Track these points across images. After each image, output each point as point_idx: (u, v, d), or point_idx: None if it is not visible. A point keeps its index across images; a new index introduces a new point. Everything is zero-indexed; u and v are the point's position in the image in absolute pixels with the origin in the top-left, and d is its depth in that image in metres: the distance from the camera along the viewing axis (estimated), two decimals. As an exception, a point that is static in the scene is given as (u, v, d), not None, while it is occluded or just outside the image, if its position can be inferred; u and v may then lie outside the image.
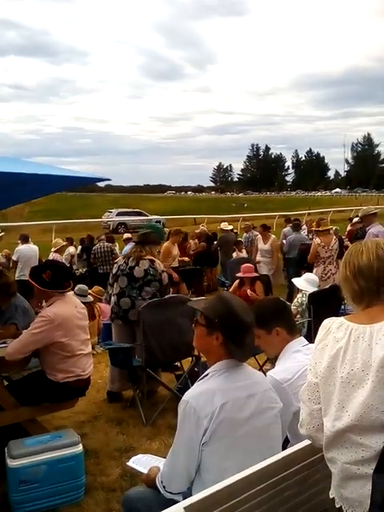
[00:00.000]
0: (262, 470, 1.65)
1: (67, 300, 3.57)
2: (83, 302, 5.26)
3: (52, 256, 9.87)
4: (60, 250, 10.12)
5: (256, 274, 6.34)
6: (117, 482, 3.22)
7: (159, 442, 3.76)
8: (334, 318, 1.59)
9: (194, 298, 5.03)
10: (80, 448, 3.06)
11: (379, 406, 1.37)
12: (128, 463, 2.47)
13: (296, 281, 5.44)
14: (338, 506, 1.50)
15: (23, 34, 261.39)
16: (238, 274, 6.24)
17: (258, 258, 9.31)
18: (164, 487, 1.89)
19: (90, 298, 6.89)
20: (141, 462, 2.39)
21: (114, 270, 4.75)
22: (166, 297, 4.55)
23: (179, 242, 8.92)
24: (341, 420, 1.44)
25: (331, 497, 1.54)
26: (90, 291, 7.17)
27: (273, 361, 3.01)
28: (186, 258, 9.91)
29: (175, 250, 8.55)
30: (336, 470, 1.49)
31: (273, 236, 9.53)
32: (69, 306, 3.51)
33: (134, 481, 3.04)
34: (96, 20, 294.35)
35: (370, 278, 1.51)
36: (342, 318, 1.54)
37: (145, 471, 2.19)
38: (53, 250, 10.12)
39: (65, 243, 10.66)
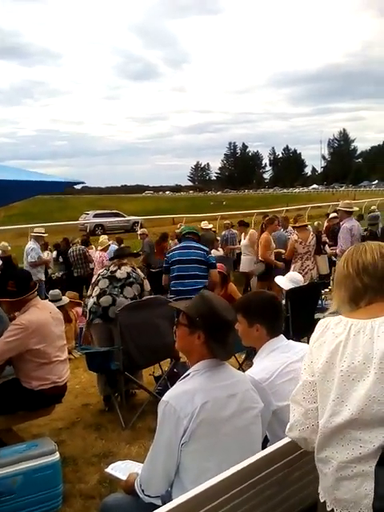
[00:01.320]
0: (241, 470, 1.63)
1: (41, 306, 3.49)
2: (58, 306, 5.21)
3: (98, 254, 9.80)
4: (105, 249, 9.92)
5: (224, 270, 6.00)
6: (95, 489, 3.17)
7: (139, 446, 3.71)
8: (331, 316, 1.57)
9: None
10: (57, 456, 2.98)
11: (381, 399, 1.34)
12: (106, 470, 2.42)
13: (278, 279, 5.39)
14: (329, 509, 1.44)
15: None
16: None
17: (242, 255, 9.37)
18: (143, 491, 1.85)
19: (65, 300, 6.79)
20: (119, 469, 2.35)
21: (94, 278, 4.71)
22: (145, 298, 4.50)
23: (273, 230, 8.12)
24: (340, 415, 1.40)
25: (322, 500, 1.47)
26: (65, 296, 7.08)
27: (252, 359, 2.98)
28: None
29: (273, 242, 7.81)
30: (330, 470, 1.43)
31: (251, 230, 9.55)
32: (43, 312, 3.43)
33: (113, 487, 2.98)
34: (69, 21, 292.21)
35: (374, 275, 1.52)
36: (340, 316, 1.54)
37: (123, 478, 2.15)
38: (99, 248, 10.08)
39: (111, 242, 10.50)
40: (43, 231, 9.76)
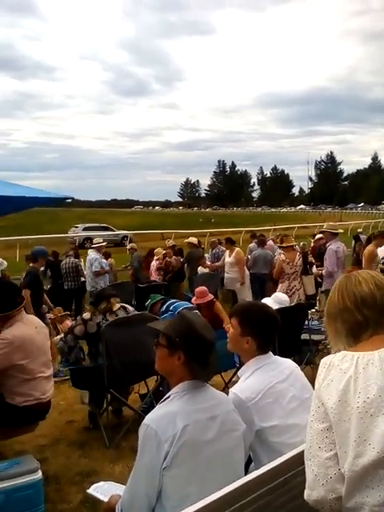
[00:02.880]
0: (223, 496, 1.59)
1: (26, 321, 3.46)
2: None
3: (154, 263, 10.21)
4: (160, 258, 10.29)
5: (210, 298, 5.96)
6: (77, 510, 3.12)
7: (122, 465, 3.66)
8: (332, 354, 1.49)
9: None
10: (39, 475, 2.93)
11: None
12: (88, 491, 2.38)
13: (266, 301, 5.40)
14: None
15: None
16: (193, 301, 5.98)
17: (226, 273, 9.24)
18: (124, 515, 1.82)
19: (50, 316, 6.74)
20: (102, 490, 2.31)
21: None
22: (130, 315, 4.48)
23: (380, 244, 7.53)
24: (365, 455, 1.28)
25: None
26: (50, 313, 7.01)
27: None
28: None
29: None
30: None
31: (237, 249, 9.46)
32: (28, 327, 3.41)
33: (96, 508, 2.92)
34: (62, 35, 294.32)
35: (373, 307, 1.48)
36: (342, 351, 1.46)
37: (105, 499, 2.12)
38: (155, 258, 10.37)
39: (164, 251, 10.61)
40: (102, 241, 10.18)
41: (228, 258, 9.24)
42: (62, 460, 3.83)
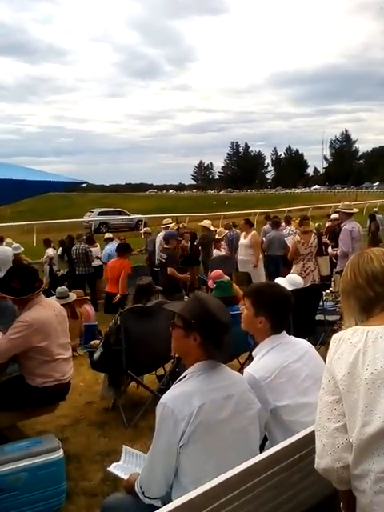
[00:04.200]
0: (240, 473, 1.64)
1: (45, 303, 3.52)
2: (64, 304, 5.24)
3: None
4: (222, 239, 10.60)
5: (226, 279, 5.99)
6: (98, 487, 3.20)
7: (141, 445, 3.72)
8: (344, 330, 1.53)
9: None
10: (60, 454, 3.02)
11: None
12: (109, 469, 2.46)
13: (279, 280, 5.41)
14: None
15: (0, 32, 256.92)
16: (209, 284, 5.93)
17: (239, 255, 9.24)
18: (143, 493, 1.88)
19: (72, 297, 6.83)
20: (121, 468, 2.39)
21: None
22: (149, 304, 4.47)
23: None
24: (371, 425, 1.34)
25: None
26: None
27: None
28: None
29: None
30: (368, 485, 1.36)
31: (253, 231, 9.41)
32: (47, 310, 3.47)
33: (116, 485, 3.01)
34: (73, 18, 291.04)
35: None
36: (354, 326, 1.51)
37: (125, 477, 2.18)
38: (217, 236, 10.55)
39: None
40: (170, 221, 10.91)
41: (243, 241, 9.21)
42: (82, 439, 3.94)
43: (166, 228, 10.41)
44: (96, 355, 4.43)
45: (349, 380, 1.41)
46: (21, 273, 3.55)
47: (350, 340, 1.46)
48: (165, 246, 8.11)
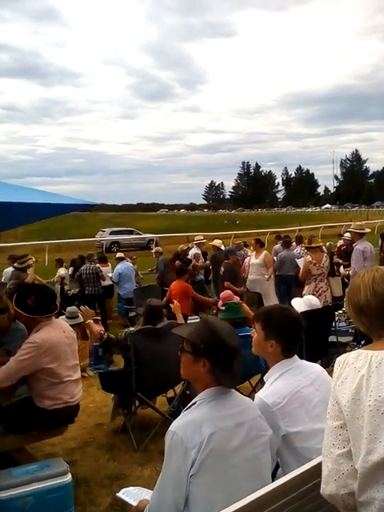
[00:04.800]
0: (250, 503, 1.59)
1: (55, 325, 3.51)
2: (74, 324, 5.23)
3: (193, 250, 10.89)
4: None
5: (236, 300, 5.73)
6: (107, 513, 3.14)
7: (151, 469, 3.68)
8: (348, 353, 1.52)
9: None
10: (69, 478, 2.98)
11: None
12: (118, 494, 2.40)
13: (295, 302, 5.33)
14: None
15: (15, 56, 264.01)
16: (219, 304, 5.75)
17: (250, 274, 9.08)
18: (152, 521, 1.83)
19: (81, 319, 6.81)
20: (131, 494, 2.33)
21: None
22: (159, 325, 4.40)
23: None
24: (375, 453, 1.32)
25: None
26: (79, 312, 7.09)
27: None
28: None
29: None
30: None
31: (265, 251, 9.31)
32: (56, 331, 3.46)
33: (125, 511, 2.96)
34: (85, 42, 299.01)
35: (370, 315, 1.51)
36: (358, 350, 1.50)
37: (134, 503, 2.13)
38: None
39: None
40: (202, 238, 11.38)
41: (254, 260, 9.04)
42: (91, 463, 3.88)
43: (199, 244, 11.15)
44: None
45: (353, 406, 1.39)
46: (39, 292, 3.52)
47: (353, 364, 1.45)
48: (226, 261, 8.73)
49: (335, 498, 1.42)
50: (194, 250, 10.90)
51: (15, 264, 8.64)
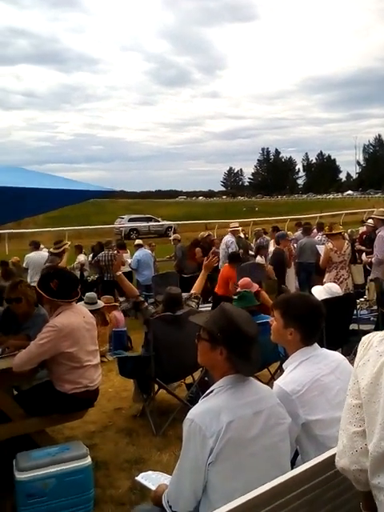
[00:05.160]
0: (270, 490, 1.58)
1: (75, 310, 3.54)
2: (93, 310, 5.27)
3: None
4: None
5: (256, 288, 5.86)
6: (126, 496, 3.17)
7: (169, 454, 3.70)
8: (374, 332, 1.50)
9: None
10: (88, 461, 3.02)
11: None
12: (137, 478, 2.43)
13: (315, 290, 5.26)
14: None
15: (33, 42, 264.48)
16: (238, 290, 5.81)
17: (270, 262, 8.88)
18: (170, 507, 1.83)
19: (100, 304, 6.88)
20: (150, 478, 2.35)
21: None
22: (179, 313, 4.36)
23: None
24: None
25: None
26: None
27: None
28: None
29: None
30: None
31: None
32: (77, 316, 3.49)
33: (144, 495, 2.97)
34: (104, 28, 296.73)
35: None
36: (383, 332, 1.47)
37: (153, 488, 2.15)
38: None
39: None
40: (237, 225, 10.96)
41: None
42: (110, 446, 3.93)
43: (234, 231, 10.72)
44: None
45: (371, 390, 1.38)
46: (62, 276, 3.56)
47: (377, 348, 1.43)
48: (276, 246, 8.63)
49: (347, 472, 1.45)
50: (228, 237, 10.45)
51: (51, 249, 8.99)
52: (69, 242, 9.61)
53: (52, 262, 8.31)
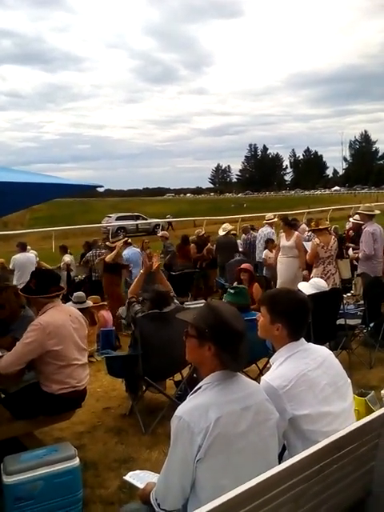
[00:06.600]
0: (256, 485, 1.59)
1: (59, 308, 3.53)
2: (82, 309, 5.24)
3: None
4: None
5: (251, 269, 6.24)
6: (115, 495, 3.16)
7: (158, 452, 3.69)
8: None
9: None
10: (77, 462, 2.98)
11: None
12: (125, 477, 2.42)
13: (301, 285, 5.26)
14: None
15: (18, 42, 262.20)
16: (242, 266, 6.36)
17: (280, 256, 8.13)
18: (158, 505, 1.82)
19: (89, 303, 6.83)
20: (138, 477, 2.35)
21: None
22: (166, 310, 4.35)
23: None
24: None
25: None
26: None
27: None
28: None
29: None
30: None
31: (296, 233, 8.29)
32: (61, 314, 3.47)
33: (133, 493, 2.96)
34: (89, 26, 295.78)
35: None
36: None
37: (141, 486, 2.14)
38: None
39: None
40: (272, 217, 10.73)
41: (286, 242, 8.05)
42: (99, 446, 3.91)
43: (271, 223, 10.51)
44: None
45: None
46: (39, 275, 3.65)
47: None
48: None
49: None
50: (266, 229, 10.30)
51: (107, 243, 9.35)
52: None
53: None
